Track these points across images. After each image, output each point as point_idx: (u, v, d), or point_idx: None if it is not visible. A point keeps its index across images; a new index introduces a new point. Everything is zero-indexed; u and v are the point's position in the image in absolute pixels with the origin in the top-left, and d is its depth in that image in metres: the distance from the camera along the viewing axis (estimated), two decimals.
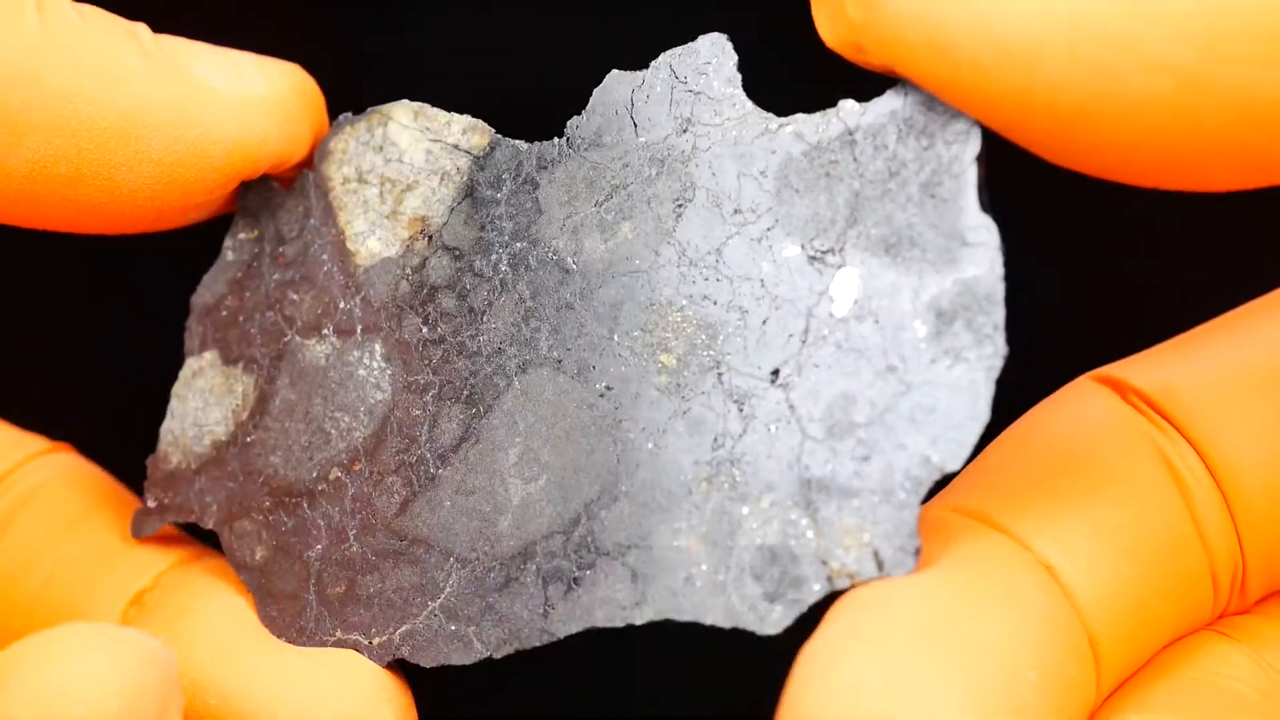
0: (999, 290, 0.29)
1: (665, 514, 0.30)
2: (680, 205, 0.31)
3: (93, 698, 0.27)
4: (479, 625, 0.31)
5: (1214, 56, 0.26)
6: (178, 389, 0.34)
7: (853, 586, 0.29)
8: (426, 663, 0.32)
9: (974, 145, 0.29)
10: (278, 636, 0.32)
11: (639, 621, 0.30)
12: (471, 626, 0.31)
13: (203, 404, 0.34)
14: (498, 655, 0.31)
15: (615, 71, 0.32)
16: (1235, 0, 0.25)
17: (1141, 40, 0.26)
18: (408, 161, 0.33)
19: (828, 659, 0.27)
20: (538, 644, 0.31)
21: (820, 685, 0.27)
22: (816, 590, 0.29)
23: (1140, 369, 0.31)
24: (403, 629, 0.32)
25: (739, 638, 0.30)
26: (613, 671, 0.43)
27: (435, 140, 0.33)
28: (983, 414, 0.29)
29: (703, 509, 0.30)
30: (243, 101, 0.33)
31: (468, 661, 0.31)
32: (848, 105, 0.30)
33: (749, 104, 0.31)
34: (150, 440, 0.34)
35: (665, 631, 0.31)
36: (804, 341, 0.30)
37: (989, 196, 0.29)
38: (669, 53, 0.32)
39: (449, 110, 0.33)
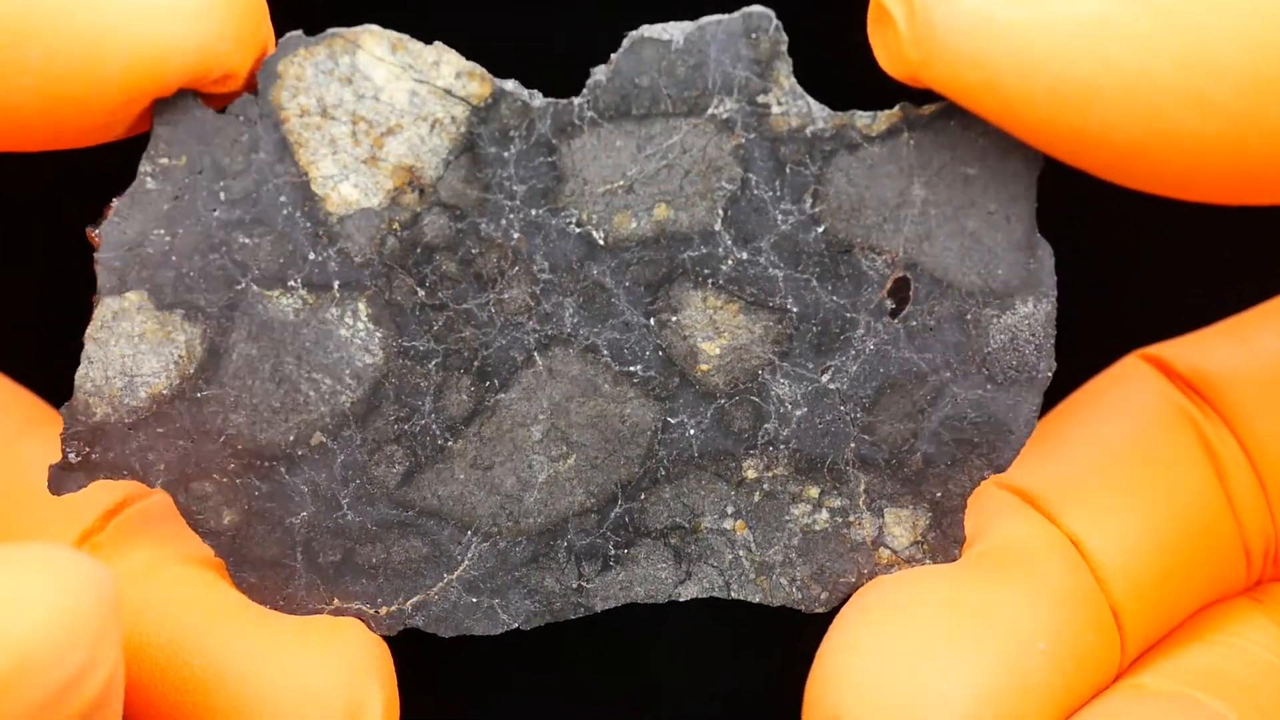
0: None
1: (711, 497, 0.31)
2: (723, 190, 0.30)
3: (28, 617, 0.25)
4: (505, 598, 0.31)
5: (1261, 98, 0.27)
6: (94, 332, 0.30)
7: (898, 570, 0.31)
8: (445, 633, 0.31)
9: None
10: (259, 603, 0.31)
11: (683, 598, 0.31)
12: (496, 599, 0.31)
13: (131, 351, 0.30)
14: (527, 627, 0.31)
15: (644, 32, 0.29)
16: (1279, 45, 0.27)
17: (1192, 85, 0.27)
18: (386, 101, 0.29)
19: (860, 624, 0.30)
20: (573, 616, 0.31)
21: (850, 648, 0.29)
22: (865, 574, 0.31)
23: (1185, 350, 0.33)
24: (414, 599, 0.31)
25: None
26: (640, 634, 0.42)
27: (421, 81, 0.29)
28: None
29: (751, 493, 0.31)
30: (146, 5, 0.28)
31: (493, 632, 0.31)
32: (907, 107, 0.29)
33: (799, 88, 0.29)
34: None
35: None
36: (854, 340, 0.30)
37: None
38: (707, 21, 0.29)
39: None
